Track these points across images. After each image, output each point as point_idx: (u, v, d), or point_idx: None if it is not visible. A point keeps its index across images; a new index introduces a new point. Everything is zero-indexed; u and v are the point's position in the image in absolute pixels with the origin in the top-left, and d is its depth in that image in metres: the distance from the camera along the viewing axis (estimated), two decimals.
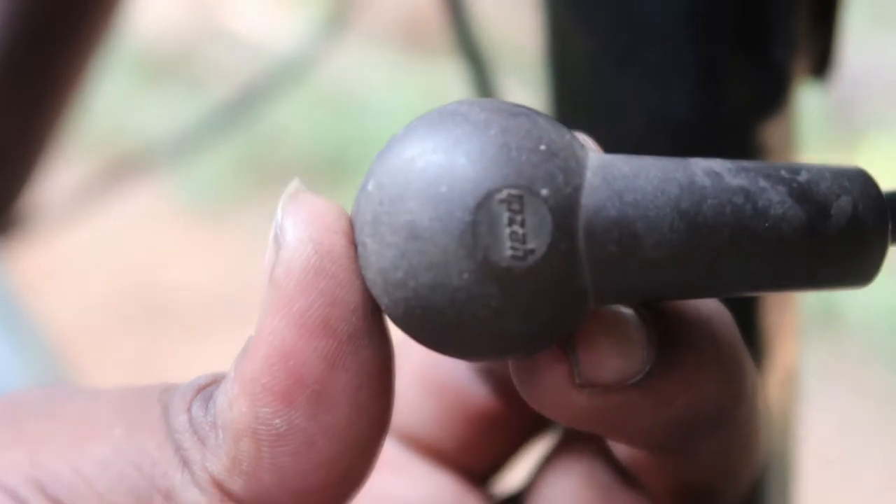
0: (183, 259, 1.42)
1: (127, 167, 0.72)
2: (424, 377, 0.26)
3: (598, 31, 0.28)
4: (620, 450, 0.25)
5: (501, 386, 0.26)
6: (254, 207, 1.54)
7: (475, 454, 0.27)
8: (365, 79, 1.66)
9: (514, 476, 0.28)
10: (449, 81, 0.35)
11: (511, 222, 0.19)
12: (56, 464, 0.22)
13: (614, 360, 0.20)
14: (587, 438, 0.26)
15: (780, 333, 0.30)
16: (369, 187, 0.20)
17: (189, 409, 0.22)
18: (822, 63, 0.29)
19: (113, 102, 1.63)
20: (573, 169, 0.19)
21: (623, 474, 0.25)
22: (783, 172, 0.20)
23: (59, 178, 0.83)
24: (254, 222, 1.42)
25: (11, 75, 0.65)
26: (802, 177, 0.20)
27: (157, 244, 1.44)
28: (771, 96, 0.27)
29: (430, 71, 1.52)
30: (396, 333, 0.22)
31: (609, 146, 0.21)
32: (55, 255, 1.26)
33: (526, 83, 0.30)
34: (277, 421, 0.20)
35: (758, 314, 0.29)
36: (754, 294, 0.21)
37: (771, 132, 0.28)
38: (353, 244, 0.20)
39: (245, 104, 0.66)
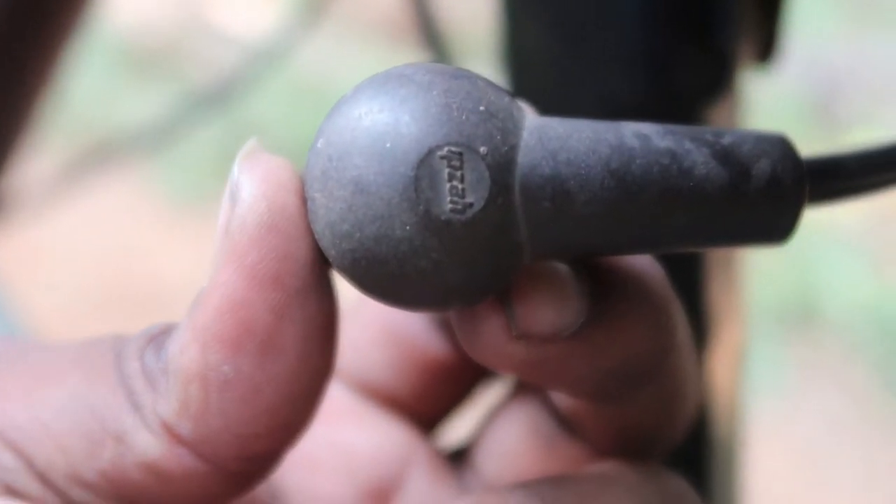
0: (162, 249, 1.41)
1: (105, 155, 0.72)
2: (381, 327, 0.27)
3: (551, 17, 0.28)
4: (561, 401, 0.25)
5: (453, 336, 0.26)
6: None
7: (427, 401, 0.27)
8: (343, 70, 1.65)
9: (461, 427, 0.28)
10: None
11: (451, 178, 0.20)
12: (13, 410, 0.22)
13: (549, 312, 0.21)
14: (530, 391, 0.26)
15: (726, 314, 0.30)
16: (318, 144, 0.20)
17: (141, 357, 0.22)
18: (767, 49, 0.29)
19: (94, 92, 1.63)
20: (510, 129, 0.20)
21: (564, 424, 0.26)
22: (708, 136, 0.21)
23: (36, 167, 0.83)
24: None
25: None
26: (726, 140, 0.21)
27: (137, 234, 1.43)
28: (715, 80, 0.28)
29: (406, 61, 1.53)
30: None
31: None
32: (33, 245, 1.26)
33: (487, 69, 0.31)
34: (226, 367, 0.21)
35: (704, 295, 0.30)
36: (682, 250, 0.22)
37: (716, 115, 0.28)
38: (304, 201, 0.21)
39: (223, 94, 0.66)
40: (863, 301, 1.45)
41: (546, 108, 0.29)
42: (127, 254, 1.41)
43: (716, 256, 0.30)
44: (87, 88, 1.60)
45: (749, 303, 0.32)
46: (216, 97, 0.66)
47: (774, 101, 1.64)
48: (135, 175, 1.49)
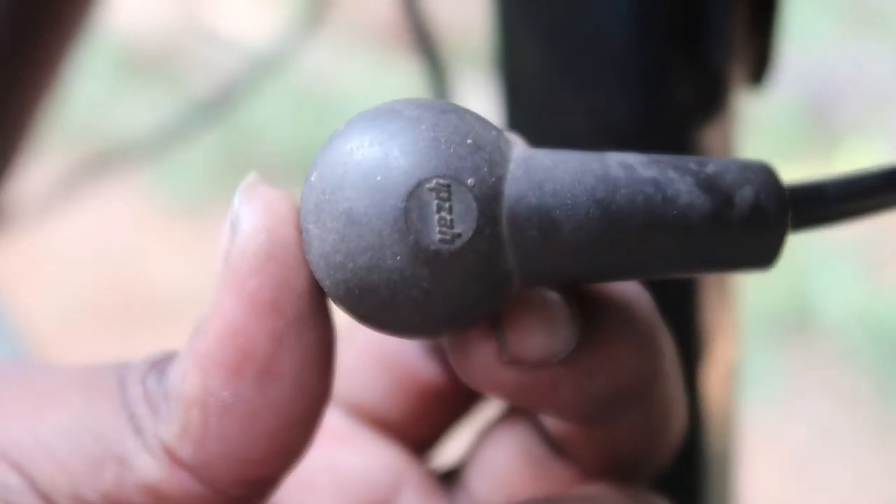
0: (163, 255, 1.42)
1: (105, 162, 0.72)
2: (375, 353, 0.27)
3: (545, 35, 0.28)
4: (551, 424, 0.25)
5: (445, 362, 0.26)
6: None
7: (419, 425, 0.27)
8: (342, 76, 1.66)
9: (453, 448, 0.28)
10: (421, 80, 0.36)
11: (440, 209, 0.20)
12: (17, 431, 0.22)
13: (539, 338, 0.21)
14: (521, 414, 0.26)
15: (719, 330, 0.31)
16: (312, 178, 0.21)
17: (143, 382, 0.22)
18: (759, 70, 0.29)
19: (94, 98, 1.63)
20: (497, 161, 0.20)
21: (554, 447, 0.26)
22: (692, 165, 0.21)
23: (37, 173, 0.83)
24: None
25: None
26: (709, 168, 0.21)
27: (138, 240, 1.43)
28: (709, 100, 0.28)
29: (405, 69, 1.53)
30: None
31: (553, 145, 0.22)
32: (33, 253, 1.26)
33: (481, 82, 0.31)
34: (225, 393, 0.21)
35: (697, 312, 0.30)
36: (667, 277, 0.22)
37: (709, 134, 0.28)
38: (301, 234, 0.21)
39: (223, 100, 0.66)
40: (855, 307, 1.45)
41: (539, 124, 0.30)
42: (126, 260, 1.41)
43: (710, 275, 0.30)
44: (87, 94, 1.60)
45: (742, 318, 0.32)
46: (216, 103, 0.66)
47: (771, 110, 1.64)
48: (135, 181, 1.49)
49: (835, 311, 1.45)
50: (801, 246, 1.55)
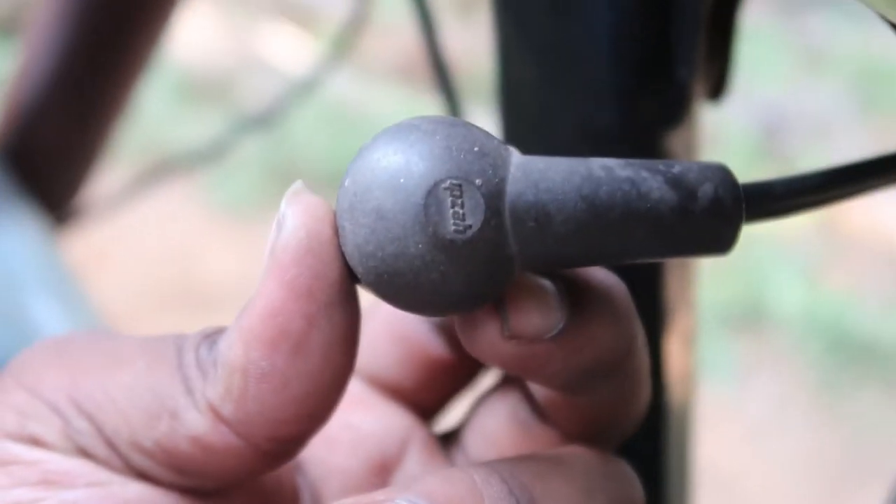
0: (214, 250, 1.41)
1: (166, 169, 0.72)
2: (390, 330, 0.27)
3: (536, 59, 0.28)
4: (538, 392, 0.25)
5: (451, 338, 0.26)
6: (277, 208, 1.53)
7: (427, 393, 0.27)
8: (367, 99, 1.65)
9: (453, 416, 0.28)
10: (437, 103, 0.36)
11: (453, 204, 0.20)
12: (90, 386, 0.22)
13: (535, 318, 0.21)
14: (511, 383, 0.26)
15: (680, 305, 0.30)
16: (346, 183, 0.21)
17: (197, 350, 0.22)
18: (717, 87, 0.29)
19: (158, 116, 1.63)
20: (500, 165, 0.20)
21: (539, 413, 0.26)
22: (661, 166, 0.21)
23: (110, 177, 0.83)
24: None
25: (71, 90, 0.65)
26: (675, 168, 0.21)
27: (193, 236, 1.43)
28: (675, 112, 0.28)
29: (424, 94, 1.53)
30: (367, 297, 0.22)
31: (544, 151, 0.22)
32: (106, 242, 1.26)
33: (488, 105, 0.31)
34: (263, 363, 0.21)
35: (661, 290, 0.30)
36: (642, 261, 0.22)
37: (675, 140, 0.28)
38: (336, 232, 0.21)
39: (267, 117, 0.66)
40: (800, 304, 1.45)
41: (532, 132, 0.29)
42: (183, 253, 1.41)
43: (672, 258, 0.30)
44: (152, 113, 1.60)
45: (700, 297, 0.32)
46: (262, 121, 0.66)
47: (733, 134, 1.64)
48: (192, 186, 1.49)
49: (783, 307, 1.44)
50: (755, 249, 1.54)
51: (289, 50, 1.79)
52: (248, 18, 1.91)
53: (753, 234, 1.62)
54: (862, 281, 1.50)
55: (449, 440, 0.27)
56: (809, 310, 1.44)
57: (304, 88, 0.63)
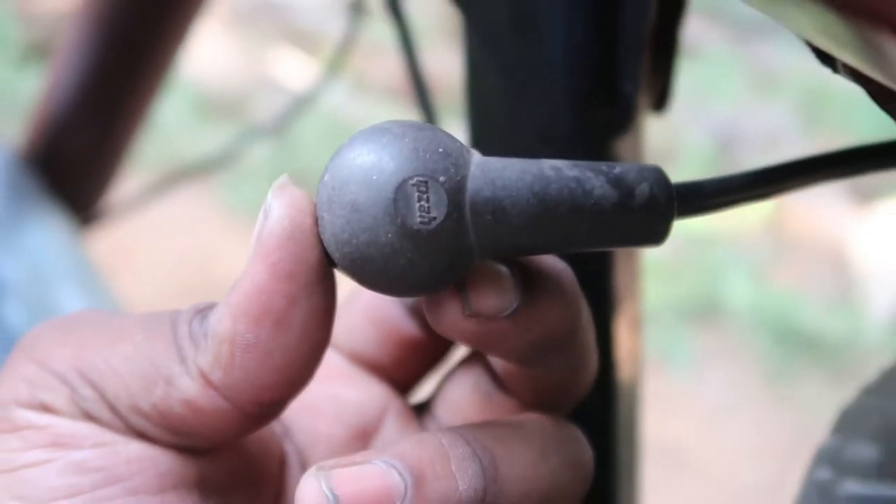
0: (229, 251, 1.40)
1: (182, 175, 0.72)
2: (369, 314, 0.27)
3: (501, 73, 0.28)
4: (498, 365, 0.25)
5: (422, 320, 0.26)
6: None
7: (402, 369, 0.27)
8: (360, 112, 1.65)
9: (426, 389, 0.28)
10: (416, 115, 0.36)
11: (420, 199, 0.20)
12: (94, 358, 0.22)
13: (492, 299, 0.21)
14: (475, 359, 0.26)
15: (627, 294, 0.30)
16: (325, 178, 0.21)
17: (189, 323, 0.22)
18: (659, 100, 0.29)
19: (175, 128, 1.62)
20: (461, 164, 0.21)
21: (499, 384, 0.26)
22: (603, 167, 0.21)
23: (130, 182, 0.83)
24: None
25: (95, 104, 0.65)
26: (616, 170, 0.21)
27: (207, 236, 1.42)
28: (623, 121, 0.28)
29: (406, 106, 1.53)
30: (350, 285, 0.23)
31: (507, 155, 0.22)
32: (127, 241, 1.25)
33: (460, 115, 0.31)
34: (249, 335, 0.21)
35: (611, 278, 0.30)
36: (586, 250, 0.22)
37: (623, 146, 0.28)
38: (316, 221, 0.21)
39: (274, 128, 0.66)
40: (750, 300, 1.45)
41: (497, 138, 0.29)
42: (199, 252, 1.40)
43: (620, 251, 0.30)
44: (172, 126, 1.60)
45: (661, 294, 0.32)
46: (269, 130, 0.66)
47: (691, 147, 1.64)
48: (204, 191, 1.48)
49: (736, 303, 1.44)
50: (710, 251, 1.54)
51: (294, 70, 1.79)
52: (258, 42, 1.91)
53: (709, 237, 1.62)
54: (806, 279, 1.50)
55: (422, 410, 0.27)
56: (759, 305, 1.44)
57: (306, 103, 0.63)
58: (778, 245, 1.55)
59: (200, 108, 1.71)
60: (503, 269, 0.22)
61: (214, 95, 1.75)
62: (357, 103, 1.67)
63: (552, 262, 0.23)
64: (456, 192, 0.20)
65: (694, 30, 1.85)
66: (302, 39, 1.87)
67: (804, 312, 1.43)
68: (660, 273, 1.45)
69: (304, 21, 1.92)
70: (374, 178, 0.20)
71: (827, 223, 1.57)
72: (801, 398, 1.32)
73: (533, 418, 0.24)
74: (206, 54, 1.75)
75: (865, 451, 0.26)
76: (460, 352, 0.27)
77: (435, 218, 0.20)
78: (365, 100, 1.69)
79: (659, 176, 0.22)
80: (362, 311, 0.27)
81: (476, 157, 0.21)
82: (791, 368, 1.36)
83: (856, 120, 1.65)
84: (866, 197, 1.59)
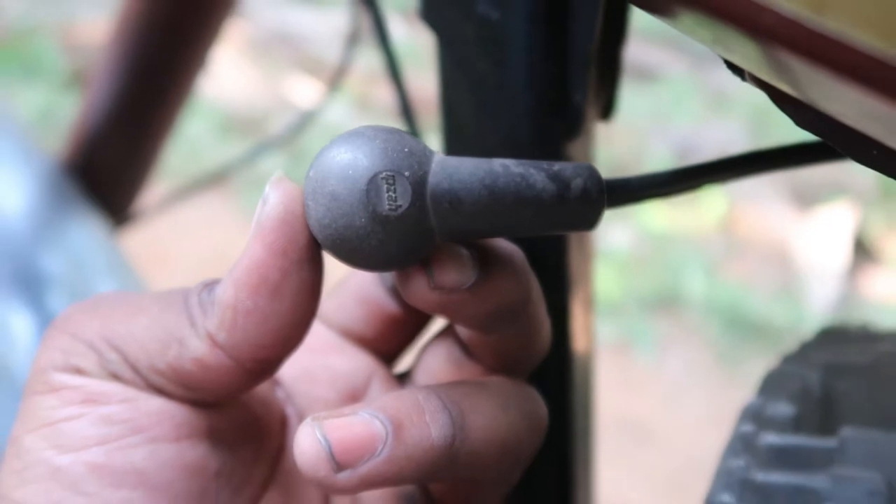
0: (240, 251, 1.40)
1: (203, 182, 0.72)
2: (357, 295, 0.27)
3: (471, 89, 0.28)
4: (464, 334, 0.26)
5: (402, 300, 0.27)
6: None
7: (385, 342, 0.28)
8: (353, 126, 1.66)
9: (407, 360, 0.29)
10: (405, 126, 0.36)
11: (388, 190, 0.21)
12: (117, 327, 0.23)
13: (453, 274, 0.22)
14: (446, 332, 0.27)
15: (580, 276, 0.30)
16: (311, 174, 0.21)
17: (199, 294, 0.23)
18: (606, 110, 0.29)
19: (198, 141, 1.62)
20: (424, 161, 0.21)
21: (468, 353, 0.26)
22: (544, 165, 0.22)
23: (158, 187, 0.83)
24: None
25: (125, 120, 0.65)
26: (556, 167, 0.22)
27: (227, 239, 1.41)
28: (574, 127, 0.28)
29: (393, 123, 1.53)
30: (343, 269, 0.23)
31: (476, 155, 0.22)
32: (157, 239, 1.25)
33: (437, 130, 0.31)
34: (248, 302, 0.22)
35: (566, 264, 0.30)
36: (531, 235, 0.22)
37: (574, 149, 0.29)
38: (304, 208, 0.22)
39: (285, 139, 0.66)
40: (704, 292, 1.45)
41: (467, 143, 0.29)
42: (216, 250, 1.39)
43: (574, 237, 0.30)
44: (196, 138, 1.60)
45: (628, 288, 0.32)
46: (280, 143, 0.66)
47: (653, 157, 1.65)
48: (224, 196, 1.49)
49: (692, 294, 1.44)
50: (670, 250, 1.54)
51: (304, 92, 1.79)
52: (274, 68, 1.91)
53: (669, 236, 1.61)
54: (754, 274, 1.51)
55: (403, 378, 0.28)
56: (712, 296, 1.44)
57: (309, 119, 0.64)
58: (730, 244, 1.55)
59: (223, 124, 1.72)
60: (463, 250, 0.22)
61: (235, 114, 1.75)
62: (359, 121, 1.67)
63: (505, 245, 0.23)
64: (419, 184, 0.21)
65: (657, 58, 1.86)
66: (311, 65, 1.87)
67: (752, 302, 1.43)
68: (626, 268, 1.45)
69: (313, 49, 1.92)
70: (350, 172, 0.21)
71: (773, 225, 1.58)
72: (748, 377, 1.32)
73: (496, 379, 0.24)
74: (228, 78, 1.75)
75: (783, 409, 0.26)
76: (435, 327, 0.28)
77: (401, 206, 0.21)
78: (366, 118, 1.70)
79: (592, 172, 0.22)
80: (351, 292, 0.27)
81: (437, 156, 0.21)
82: (740, 351, 1.36)
83: (796, 133, 1.66)
84: (807, 202, 1.60)
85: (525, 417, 0.24)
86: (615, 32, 0.28)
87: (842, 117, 0.15)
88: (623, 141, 1.64)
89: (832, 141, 0.18)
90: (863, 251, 1.53)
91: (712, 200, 1.58)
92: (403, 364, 0.28)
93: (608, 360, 1.31)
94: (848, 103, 0.14)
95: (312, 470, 0.21)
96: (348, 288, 0.27)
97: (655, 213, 1.54)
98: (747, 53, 0.16)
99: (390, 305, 0.27)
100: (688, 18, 0.16)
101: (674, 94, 1.78)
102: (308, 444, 0.21)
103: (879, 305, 1.43)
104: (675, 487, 1.16)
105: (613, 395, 1.25)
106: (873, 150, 0.16)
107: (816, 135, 0.18)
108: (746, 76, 0.19)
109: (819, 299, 1.44)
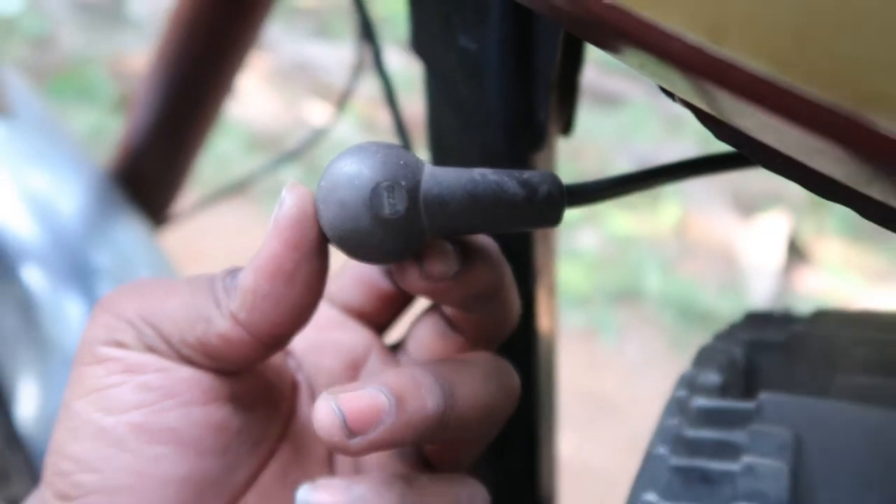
0: None
1: (230, 190, 0.72)
2: (358, 277, 0.27)
3: (455, 109, 0.28)
4: (449, 312, 0.26)
5: (395, 280, 0.26)
6: None
7: (381, 315, 0.27)
8: (357, 142, 1.65)
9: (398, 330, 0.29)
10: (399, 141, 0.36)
11: (388, 197, 0.21)
12: (153, 307, 0.23)
13: (441, 265, 0.22)
14: (434, 309, 0.27)
15: (545, 268, 0.31)
16: (322, 182, 0.21)
17: (224, 280, 0.23)
18: (566, 126, 0.29)
19: (231, 158, 1.62)
20: (417, 171, 0.21)
21: (452, 326, 0.26)
22: (516, 173, 0.22)
23: (189, 194, 0.83)
24: None
25: (164, 134, 0.65)
26: (525, 175, 0.22)
27: (251, 241, 1.41)
28: (538, 141, 0.28)
29: (389, 139, 1.52)
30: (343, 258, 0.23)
31: (458, 165, 0.22)
32: (190, 238, 1.25)
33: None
34: (266, 287, 0.22)
35: (532, 257, 0.30)
36: (506, 232, 0.22)
37: (540, 159, 0.29)
38: (316, 210, 0.22)
39: (302, 152, 0.66)
40: (660, 287, 1.45)
41: (450, 155, 0.29)
42: (241, 251, 1.38)
43: (540, 234, 0.30)
44: (225, 153, 1.59)
45: (595, 282, 0.32)
46: (297, 155, 0.66)
47: (615, 171, 1.64)
48: (247, 202, 1.48)
49: (650, 289, 1.45)
50: (631, 249, 1.54)
51: (320, 114, 1.79)
52: (293, 94, 1.90)
53: (630, 238, 1.61)
54: (704, 271, 1.51)
55: (396, 348, 0.28)
56: (667, 291, 1.44)
57: (320, 136, 0.64)
58: (682, 245, 1.56)
59: (248, 142, 1.71)
60: (448, 245, 0.22)
61: (258, 132, 1.74)
62: (363, 137, 1.67)
63: (483, 240, 0.24)
64: (413, 190, 0.21)
65: (621, 86, 1.85)
66: (324, 90, 1.87)
67: (701, 296, 1.43)
68: (592, 267, 1.45)
69: (325, 77, 1.92)
70: (356, 182, 0.21)
71: (720, 230, 1.58)
72: None
73: (478, 356, 0.25)
74: (252, 102, 1.75)
75: (712, 378, 0.26)
76: (422, 303, 0.28)
77: (399, 210, 0.21)
78: (371, 136, 1.69)
79: (554, 178, 0.22)
80: (352, 275, 0.27)
81: (427, 166, 0.22)
82: (690, 337, 1.36)
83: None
84: (749, 211, 1.60)
85: (502, 388, 0.24)
86: (573, 61, 0.28)
87: (748, 131, 0.16)
88: (590, 158, 1.64)
89: (745, 151, 0.18)
90: (796, 253, 1.53)
91: (668, 208, 1.59)
92: (395, 335, 0.28)
93: (577, 345, 1.31)
94: (749, 118, 0.14)
95: (329, 436, 0.21)
96: (350, 271, 0.27)
97: (619, 219, 1.54)
98: (669, 78, 0.16)
99: (384, 284, 0.27)
100: (620, 48, 0.17)
101: (635, 118, 1.79)
102: (325, 413, 0.21)
103: (809, 299, 1.44)
104: (633, 450, 1.17)
105: (581, 373, 1.25)
106: (777, 158, 0.17)
107: (733, 146, 0.19)
108: (676, 98, 0.19)
109: (759, 294, 1.45)
